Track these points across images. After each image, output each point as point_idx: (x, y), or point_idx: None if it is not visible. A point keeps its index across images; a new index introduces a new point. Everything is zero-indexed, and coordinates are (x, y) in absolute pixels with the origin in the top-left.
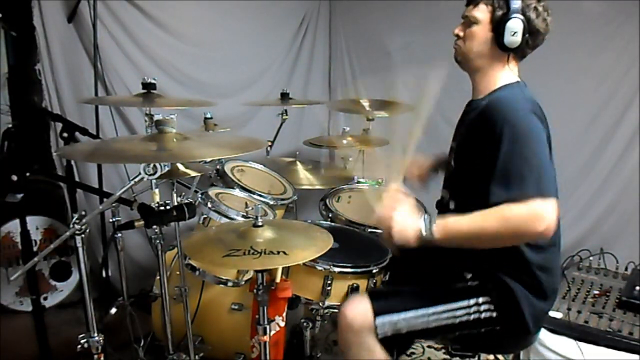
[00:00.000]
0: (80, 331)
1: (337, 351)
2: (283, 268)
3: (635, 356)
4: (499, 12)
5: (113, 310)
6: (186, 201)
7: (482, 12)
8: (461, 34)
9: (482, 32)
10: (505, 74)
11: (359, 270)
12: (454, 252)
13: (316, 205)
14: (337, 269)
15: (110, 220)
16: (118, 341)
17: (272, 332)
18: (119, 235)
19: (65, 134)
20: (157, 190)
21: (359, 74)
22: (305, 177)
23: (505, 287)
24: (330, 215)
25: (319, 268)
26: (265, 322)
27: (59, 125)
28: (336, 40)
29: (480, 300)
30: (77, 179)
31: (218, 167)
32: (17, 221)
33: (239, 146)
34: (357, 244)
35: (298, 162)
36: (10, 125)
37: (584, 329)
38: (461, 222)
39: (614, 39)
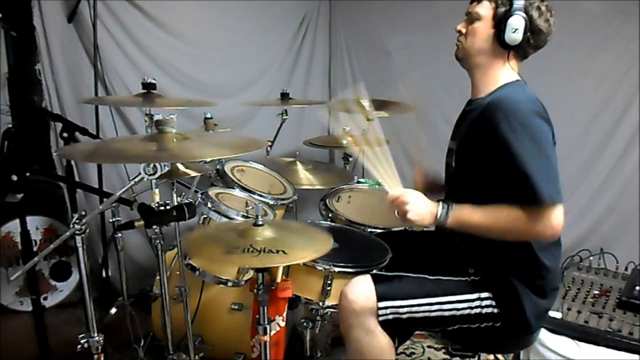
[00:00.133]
0: (80, 331)
1: (337, 351)
2: (283, 268)
3: (635, 356)
4: (502, 9)
5: (113, 310)
6: (186, 201)
7: (485, 9)
8: (463, 30)
9: (484, 28)
10: (505, 73)
11: (359, 270)
12: (458, 249)
13: (316, 205)
14: (337, 269)
15: (110, 220)
16: (118, 341)
17: (272, 332)
18: (119, 235)
19: (65, 134)
20: (157, 190)
21: (359, 74)
22: (305, 177)
23: (508, 284)
24: (330, 215)
25: (319, 268)
26: (266, 322)
27: (59, 125)
28: (336, 40)
29: (483, 295)
30: (77, 179)
31: (218, 167)
32: (17, 221)
33: (239, 146)
34: (357, 244)
35: (298, 162)
36: (10, 125)
37: (583, 329)
38: (474, 215)
39: (614, 39)
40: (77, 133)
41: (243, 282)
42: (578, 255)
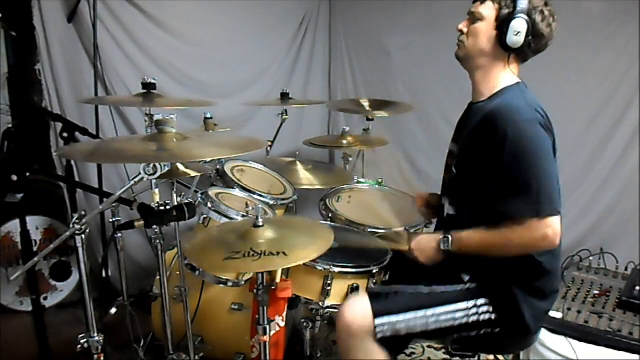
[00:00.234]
0: (80, 331)
1: (337, 351)
2: (283, 268)
3: (635, 356)
4: (505, 11)
5: (113, 310)
6: (186, 201)
7: (488, 9)
8: (465, 29)
9: (486, 29)
10: (506, 75)
11: (359, 270)
12: (453, 256)
13: (316, 205)
14: (337, 269)
15: (110, 220)
16: (118, 341)
17: (272, 332)
18: (119, 235)
19: (65, 134)
20: (157, 190)
21: (359, 74)
22: (305, 177)
23: (505, 289)
24: (330, 215)
25: (319, 268)
26: (265, 322)
27: (59, 125)
28: (336, 40)
29: (479, 302)
30: (77, 179)
31: (218, 167)
32: (17, 221)
33: (239, 146)
34: (357, 244)
35: (298, 162)
36: (10, 125)
37: (584, 329)
38: (473, 239)
39: (614, 39)
40: (77, 133)
41: (243, 282)
42: (578, 255)
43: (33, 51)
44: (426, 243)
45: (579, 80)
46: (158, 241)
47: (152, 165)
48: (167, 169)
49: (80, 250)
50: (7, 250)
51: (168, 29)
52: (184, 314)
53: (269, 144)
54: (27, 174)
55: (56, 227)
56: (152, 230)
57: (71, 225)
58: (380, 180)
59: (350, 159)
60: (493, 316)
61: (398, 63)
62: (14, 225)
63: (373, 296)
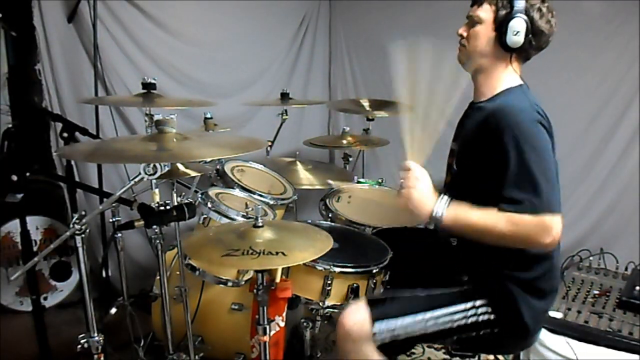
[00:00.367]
0: (80, 331)
1: (337, 351)
2: (283, 268)
3: (635, 356)
4: (503, 12)
5: (113, 310)
6: (186, 201)
7: (485, 12)
8: (465, 34)
9: (485, 31)
10: (508, 76)
11: (359, 270)
12: (452, 254)
13: (316, 205)
14: (337, 269)
15: (110, 220)
16: (118, 341)
17: (272, 332)
18: (119, 235)
19: (65, 134)
20: (157, 190)
21: (359, 74)
22: (305, 177)
23: (502, 289)
24: (330, 215)
25: (319, 268)
26: (265, 322)
27: (59, 125)
28: (336, 40)
29: (477, 303)
30: (77, 179)
31: (218, 167)
32: (17, 221)
33: (239, 146)
34: (357, 244)
35: (298, 162)
36: (10, 125)
37: (584, 329)
38: (472, 215)
39: (614, 39)
40: (77, 133)
41: (243, 282)
42: (578, 255)
43: (33, 51)
44: (428, 188)
45: (579, 80)
46: (158, 241)
47: (152, 165)
48: (167, 169)
49: (80, 250)
50: (7, 250)
51: (168, 29)
52: (184, 314)
53: (269, 144)
54: (27, 174)
55: (56, 227)
56: (152, 230)
57: (71, 225)
58: (380, 180)
59: (350, 159)
60: (492, 317)
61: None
62: (14, 225)
63: (371, 303)
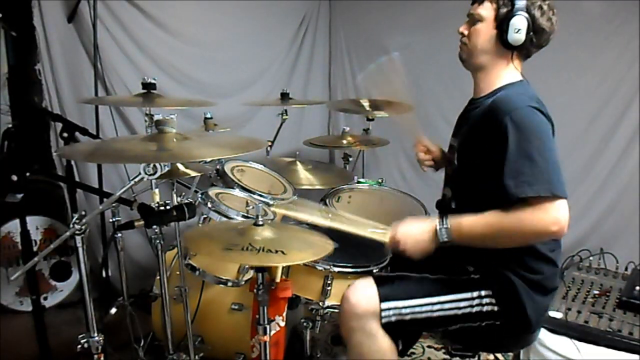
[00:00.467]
0: (80, 331)
1: (337, 351)
2: (283, 268)
3: (635, 356)
4: (504, 10)
5: (113, 310)
6: (186, 201)
7: (486, 10)
8: (466, 32)
9: (486, 29)
10: (508, 73)
11: (359, 270)
12: (456, 247)
13: None
14: (337, 269)
15: (110, 220)
16: (118, 341)
17: (272, 332)
18: (119, 235)
19: (65, 134)
20: (157, 190)
21: (359, 74)
22: (305, 177)
23: (507, 282)
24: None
25: (319, 268)
26: (265, 322)
27: (59, 125)
28: (336, 40)
29: (483, 293)
30: (77, 179)
31: (218, 167)
32: (17, 221)
33: (239, 146)
34: (357, 244)
35: (298, 162)
36: (10, 125)
37: (584, 329)
38: (476, 226)
39: (614, 39)
40: (77, 133)
41: (243, 282)
42: (578, 255)
43: (33, 51)
44: (417, 234)
45: (579, 79)
46: (158, 241)
47: (152, 165)
48: (167, 169)
49: (80, 250)
50: (7, 250)
51: (168, 29)
52: (184, 314)
53: (269, 144)
54: (27, 174)
55: (56, 227)
56: (152, 230)
57: (71, 225)
58: (380, 180)
59: (350, 159)
60: (495, 308)
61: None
62: (14, 225)
63: (379, 280)
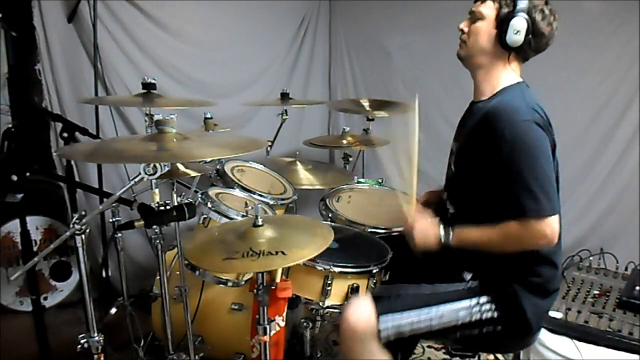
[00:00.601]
0: (80, 331)
1: (337, 351)
2: (283, 268)
3: (635, 356)
4: (505, 10)
5: (113, 310)
6: (186, 201)
7: (488, 9)
8: (466, 29)
9: (486, 28)
10: (507, 75)
11: (359, 270)
12: (454, 252)
13: (316, 205)
14: (337, 269)
15: (110, 220)
16: (118, 341)
17: (272, 332)
18: (119, 235)
19: (65, 134)
20: (157, 190)
21: (359, 74)
22: (305, 177)
23: (506, 287)
24: (330, 215)
25: (319, 268)
26: (265, 322)
27: (59, 125)
28: (336, 40)
29: (482, 300)
30: (77, 179)
31: (218, 167)
32: (17, 221)
33: (239, 146)
34: (357, 244)
35: (298, 162)
36: (10, 125)
37: (584, 329)
38: (473, 235)
39: (615, 39)
40: (77, 133)
41: (243, 282)
42: (578, 255)
43: (33, 51)
44: (429, 229)
45: (579, 79)
46: (158, 241)
47: (152, 165)
48: (167, 169)
49: (80, 250)
50: (7, 250)
51: (168, 29)
52: (184, 314)
53: (269, 144)
54: (27, 174)
55: (56, 227)
56: (152, 230)
57: (71, 225)
58: (380, 180)
59: (350, 159)
60: (495, 314)
61: (398, 63)
62: (14, 225)
63: (376, 298)
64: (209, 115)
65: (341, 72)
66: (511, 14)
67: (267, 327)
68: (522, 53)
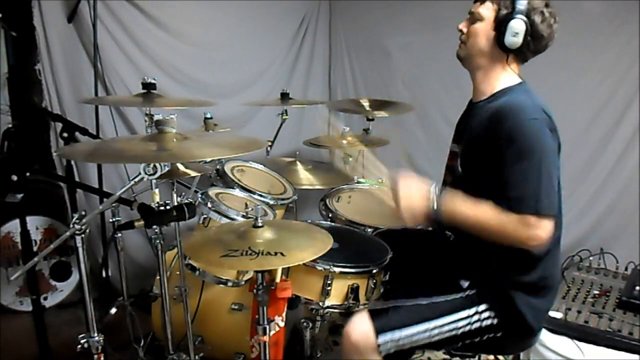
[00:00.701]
0: (80, 331)
1: (337, 351)
2: (283, 268)
3: (635, 356)
4: (504, 12)
5: (113, 310)
6: (186, 201)
7: (487, 10)
8: (465, 29)
9: (485, 29)
10: (506, 76)
11: (359, 270)
12: (451, 256)
13: (316, 205)
14: (337, 269)
15: (110, 220)
16: (118, 341)
17: (272, 332)
18: (119, 235)
19: (65, 134)
20: (157, 190)
21: (359, 74)
22: (305, 177)
23: (504, 293)
24: (330, 215)
25: (319, 268)
26: (265, 322)
27: (59, 125)
28: (336, 40)
29: (480, 308)
30: (77, 179)
31: (218, 167)
32: (17, 221)
33: (239, 146)
34: (357, 244)
35: (298, 162)
36: (10, 125)
37: (584, 329)
38: (467, 208)
39: (615, 39)
40: (77, 133)
41: (243, 282)
42: (578, 255)
43: (33, 51)
44: (415, 187)
45: (579, 79)
46: (158, 241)
47: (152, 165)
48: (167, 169)
49: (80, 250)
50: (7, 250)
51: (168, 29)
52: (184, 314)
53: (269, 144)
54: (27, 174)
55: (56, 227)
56: (152, 230)
57: (71, 225)
58: (380, 180)
59: (350, 159)
60: (495, 321)
61: (398, 63)
62: (14, 225)
63: (373, 314)
64: (209, 115)
65: (341, 72)
66: (510, 16)
67: (267, 327)
68: (521, 55)
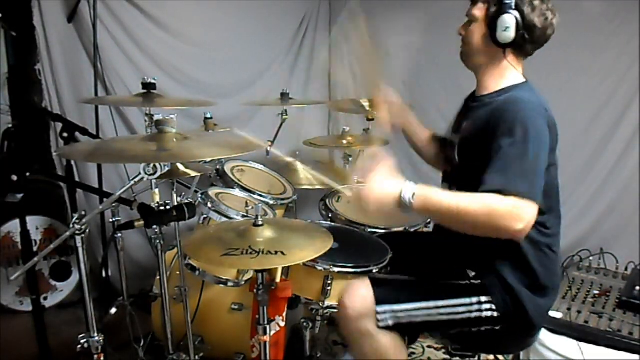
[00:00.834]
0: (80, 331)
1: (337, 351)
2: (283, 268)
3: (635, 356)
4: (493, 9)
5: (113, 310)
6: (186, 201)
7: (479, 10)
8: (463, 32)
9: (479, 29)
10: (510, 73)
11: (359, 270)
12: (457, 249)
13: (316, 205)
14: (337, 269)
15: (110, 220)
16: (118, 341)
17: (272, 332)
18: (119, 235)
19: (65, 134)
20: (157, 190)
21: (359, 74)
22: (305, 177)
23: (509, 289)
24: (330, 215)
25: (319, 268)
26: (265, 322)
27: (59, 125)
28: (336, 40)
29: (483, 299)
30: (77, 179)
31: (218, 167)
32: (17, 221)
33: (239, 146)
34: (357, 244)
35: (298, 162)
36: (10, 125)
37: (584, 329)
38: (443, 198)
39: (615, 38)
40: (77, 133)
41: (243, 282)
42: (578, 255)
43: (33, 51)
44: (382, 196)
45: (579, 79)
46: (158, 241)
47: (152, 165)
48: (167, 169)
49: (80, 250)
50: (7, 250)
51: (168, 29)
52: (184, 314)
53: (269, 144)
54: (27, 174)
55: (56, 227)
56: (152, 230)
57: (71, 225)
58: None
59: (350, 159)
60: (495, 314)
61: (398, 63)
62: (14, 225)
63: (376, 283)
64: (209, 115)
65: (341, 72)
66: (498, 12)
67: (267, 327)
68: (520, 48)
